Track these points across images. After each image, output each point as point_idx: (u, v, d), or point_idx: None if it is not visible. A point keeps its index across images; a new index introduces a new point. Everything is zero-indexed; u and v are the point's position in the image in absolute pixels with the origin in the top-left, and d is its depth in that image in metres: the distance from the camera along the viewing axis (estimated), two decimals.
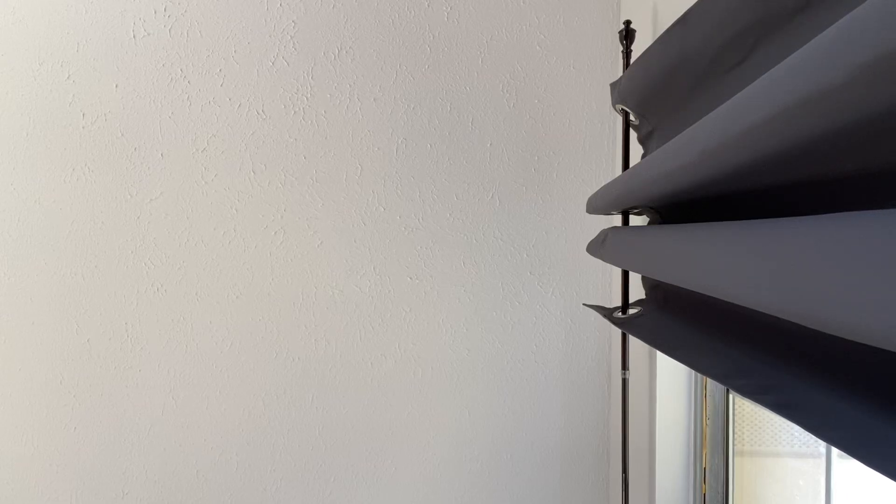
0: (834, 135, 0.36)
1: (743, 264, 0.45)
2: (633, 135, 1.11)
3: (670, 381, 1.22)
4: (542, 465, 1.52)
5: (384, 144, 1.45)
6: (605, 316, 1.11)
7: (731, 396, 1.18)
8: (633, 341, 1.22)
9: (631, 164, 0.98)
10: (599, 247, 1.05)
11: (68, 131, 1.41)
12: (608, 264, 1.23)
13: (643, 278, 1.09)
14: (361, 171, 1.45)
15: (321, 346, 1.47)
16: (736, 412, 1.18)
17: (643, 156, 1.09)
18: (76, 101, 1.41)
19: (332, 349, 1.47)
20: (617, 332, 1.36)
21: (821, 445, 0.99)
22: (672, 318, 0.91)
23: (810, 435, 0.70)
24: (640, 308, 1.04)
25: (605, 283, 1.49)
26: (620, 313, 1.06)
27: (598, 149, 1.47)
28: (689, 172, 0.59)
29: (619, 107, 1.06)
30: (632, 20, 1.13)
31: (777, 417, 1.09)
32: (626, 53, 1.12)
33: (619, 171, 1.38)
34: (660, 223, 0.95)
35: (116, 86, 1.41)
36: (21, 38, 1.40)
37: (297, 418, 1.47)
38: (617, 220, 1.24)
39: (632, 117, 1.06)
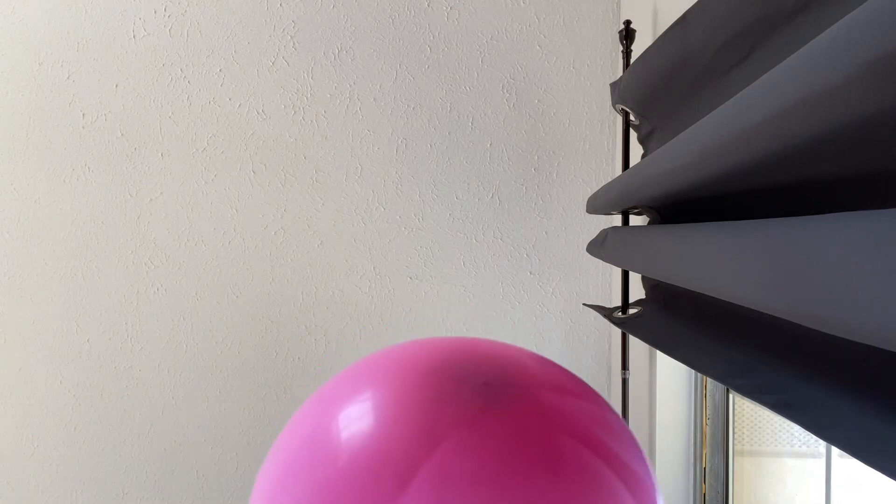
0: (834, 135, 0.36)
1: (743, 264, 0.45)
2: (633, 135, 1.11)
3: (670, 381, 1.22)
4: None
5: (384, 144, 1.45)
6: (605, 316, 1.11)
7: (731, 396, 1.18)
8: (633, 341, 1.22)
9: (631, 164, 0.98)
10: (599, 247, 1.05)
11: (68, 131, 1.41)
12: (608, 264, 1.23)
13: (643, 278, 1.09)
14: (361, 171, 1.45)
15: (321, 346, 1.47)
16: (736, 412, 1.18)
17: (643, 156, 1.09)
18: (76, 101, 1.41)
19: (332, 349, 1.47)
20: (617, 332, 1.36)
21: (821, 445, 0.99)
22: (672, 318, 0.91)
23: (810, 435, 0.70)
24: (640, 308, 1.04)
25: (605, 283, 1.49)
26: (620, 313, 1.06)
27: (598, 149, 1.47)
28: (689, 172, 0.59)
29: (619, 107, 1.06)
30: (632, 20, 1.13)
31: (777, 417, 1.09)
32: (626, 53, 1.12)
33: (619, 171, 1.38)
34: (660, 223, 0.95)
35: (116, 86, 1.41)
36: (21, 38, 1.40)
37: None
38: (617, 220, 1.24)
39: (632, 117, 1.06)
